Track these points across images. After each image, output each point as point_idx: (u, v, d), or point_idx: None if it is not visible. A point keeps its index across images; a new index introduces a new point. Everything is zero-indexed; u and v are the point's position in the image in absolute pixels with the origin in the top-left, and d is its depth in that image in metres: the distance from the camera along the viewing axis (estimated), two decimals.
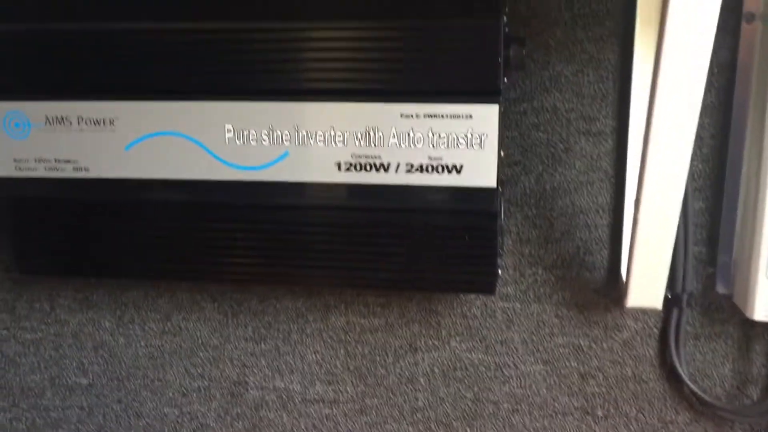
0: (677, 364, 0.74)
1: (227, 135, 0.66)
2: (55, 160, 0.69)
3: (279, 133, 0.66)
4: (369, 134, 0.64)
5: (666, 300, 0.71)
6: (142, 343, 0.85)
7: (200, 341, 0.84)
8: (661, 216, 0.62)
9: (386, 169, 0.65)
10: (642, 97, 0.69)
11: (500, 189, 0.65)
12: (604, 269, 0.75)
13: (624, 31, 0.69)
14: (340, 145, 0.65)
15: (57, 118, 0.68)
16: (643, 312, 0.75)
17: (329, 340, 0.82)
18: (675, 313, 0.73)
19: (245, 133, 0.66)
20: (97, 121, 0.68)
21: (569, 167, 0.73)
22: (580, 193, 0.73)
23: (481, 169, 0.64)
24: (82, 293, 0.85)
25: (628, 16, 0.68)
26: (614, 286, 0.75)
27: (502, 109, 0.62)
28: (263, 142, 0.66)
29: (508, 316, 0.78)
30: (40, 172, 0.70)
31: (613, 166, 0.72)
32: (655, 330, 0.75)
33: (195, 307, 0.83)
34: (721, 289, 0.72)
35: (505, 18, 0.62)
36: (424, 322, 0.80)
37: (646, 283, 0.66)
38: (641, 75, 0.68)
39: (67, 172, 0.69)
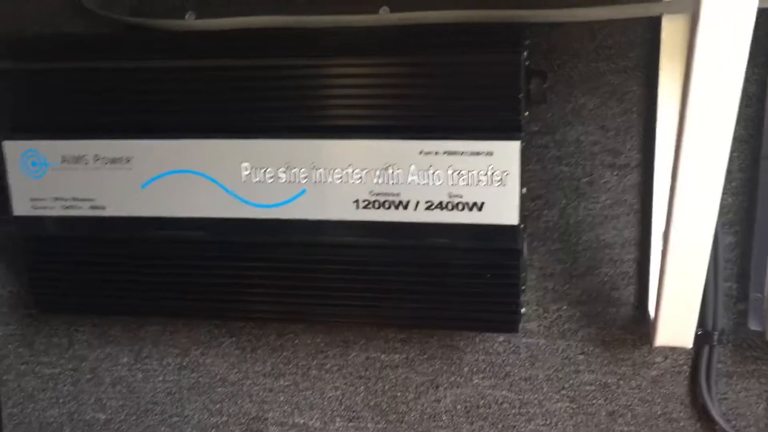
0: (709, 403, 0.72)
1: (244, 173, 0.65)
2: (72, 199, 0.69)
3: (296, 170, 0.65)
4: (387, 171, 0.63)
5: (696, 337, 0.68)
6: (160, 379, 0.84)
7: (218, 377, 0.83)
8: (691, 252, 0.59)
9: (405, 207, 0.64)
10: (668, 129, 0.67)
11: (522, 226, 0.63)
12: (631, 305, 0.73)
13: (648, 63, 0.67)
14: (357, 182, 0.64)
15: (73, 156, 0.68)
16: (673, 349, 0.72)
17: (349, 376, 0.80)
18: (706, 350, 0.71)
19: (262, 171, 0.65)
20: (113, 159, 0.67)
21: (594, 201, 0.71)
22: (605, 227, 0.71)
23: (502, 207, 0.62)
24: (100, 328, 0.84)
25: (652, 47, 0.66)
26: (642, 323, 0.73)
27: (523, 145, 0.61)
28: (280, 180, 0.65)
29: (532, 352, 0.76)
30: (57, 211, 0.69)
31: (639, 199, 0.70)
32: (685, 367, 0.73)
33: (213, 342, 0.82)
34: (753, 325, 0.70)
35: (525, 52, 0.60)
36: (446, 358, 0.78)
37: (676, 321, 0.64)
38: (667, 107, 0.66)
39: (84, 211, 0.69)
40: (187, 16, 0.73)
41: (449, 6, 0.69)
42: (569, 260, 0.73)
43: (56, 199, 0.69)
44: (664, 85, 0.66)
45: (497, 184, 0.62)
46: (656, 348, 0.73)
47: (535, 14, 0.67)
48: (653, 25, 0.66)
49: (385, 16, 0.70)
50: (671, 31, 0.65)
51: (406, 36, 0.64)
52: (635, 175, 0.70)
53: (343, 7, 0.71)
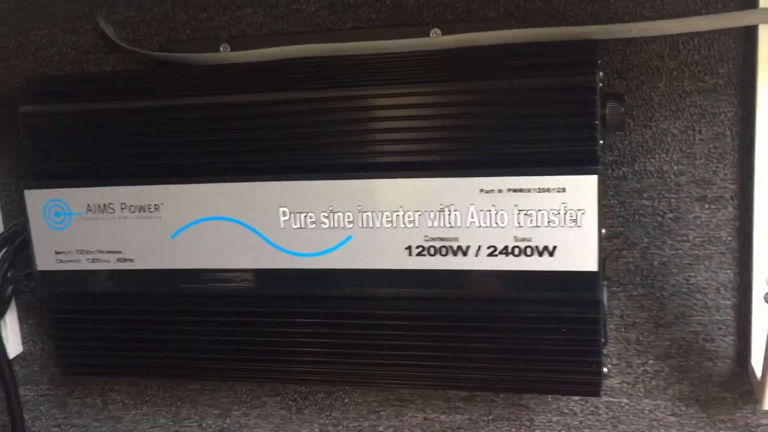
0: None
1: (282, 219, 0.59)
2: (98, 251, 0.63)
3: (341, 214, 0.58)
4: (444, 213, 0.56)
5: None
6: None
7: None
8: None
9: (465, 253, 0.56)
10: None
11: (602, 272, 0.55)
12: (729, 359, 0.63)
13: (743, 79, 0.58)
14: (410, 226, 0.56)
15: (99, 205, 0.62)
16: None
17: None
18: None
19: (302, 216, 0.58)
20: (141, 207, 0.61)
21: (681, 239, 0.62)
22: (696, 269, 0.62)
23: (578, 250, 0.54)
24: (136, 387, 0.78)
25: (747, 61, 0.58)
26: (743, 379, 0.63)
27: (601, 179, 0.52)
28: (323, 226, 0.58)
29: (614, 413, 0.66)
30: (83, 265, 0.64)
31: (735, 236, 0.61)
32: None
33: (256, 402, 0.75)
34: None
35: (600, 74, 0.52)
36: (515, 419, 0.69)
37: None
38: (766, 129, 0.57)
39: (111, 264, 0.63)
40: (221, 49, 0.68)
41: (507, 25, 0.61)
42: (655, 308, 0.64)
43: (81, 251, 0.63)
44: (763, 104, 0.57)
45: (571, 225, 0.53)
46: (764, 412, 0.63)
47: (608, 30, 0.59)
48: (747, 36, 0.57)
49: (437, 39, 0.63)
50: None
51: (460, 60, 0.57)
52: (730, 208, 0.60)
53: (390, 31, 0.65)
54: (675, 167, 0.61)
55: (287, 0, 0.66)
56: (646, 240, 0.63)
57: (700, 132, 0.60)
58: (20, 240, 0.70)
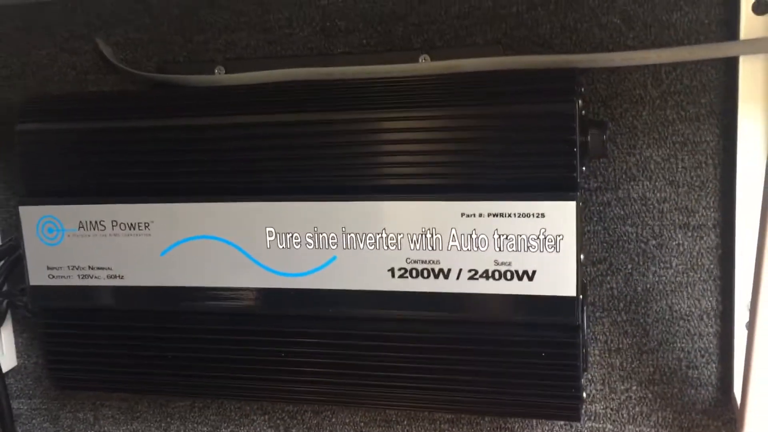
0: None
1: (268, 238, 0.60)
2: (89, 267, 0.64)
3: (325, 235, 0.58)
4: (426, 236, 0.56)
5: None
6: None
7: None
8: None
9: (446, 276, 0.57)
10: (750, 184, 0.58)
11: (581, 297, 0.55)
12: (712, 386, 0.63)
13: (724, 109, 0.59)
14: (393, 248, 0.57)
15: (91, 222, 0.63)
16: None
17: None
18: None
19: (288, 236, 0.59)
20: (131, 224, 0.62)
21: (664, 266, 0.62)
22: (679, 296, 0.62)
23: (557, 275, 0.54)
24: (127, 403, 0.79)
25: (728, 91, 0.58)
26: (726, 406, 0.63)
27: (580, 205, 0.53)
28: (308, 246, 0.59)
29: None
30: (74, 281, 0.65)
31: (718, 264, 0.61)
32: None
33: (245, 420, 0.76)
34: None
35: (580, 101, 0.53)
36: None
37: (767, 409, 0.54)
38: (748, 158, 0.58)
39: (101, 280, 0.64)
40: (216, 71, 0.69)
41: (495, 52, 0.63)
42: (638, 333, 0.64)
43: (72, 267, 0.64)
44: (744, 134, 0.58)
45: (550, 250, 0.54)
46: None
47: (592, 58, 0.59)
48: (729, 67, 0.58)
49: (425, 65, 0.64)
50: (750, 73, 0.57)
51: (443, 86, 0.58)
52: (712, 236, 0.61)
53: (380, 57, 0.66)
54: (658, 194, 0.61)
55: (281, 24, 0.68)
56: (629, 266, 0.63)
57: (682, 160, 0.60)
58: (16, 255, 0.71)
